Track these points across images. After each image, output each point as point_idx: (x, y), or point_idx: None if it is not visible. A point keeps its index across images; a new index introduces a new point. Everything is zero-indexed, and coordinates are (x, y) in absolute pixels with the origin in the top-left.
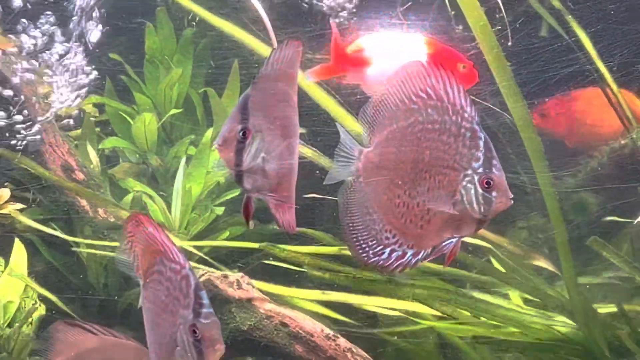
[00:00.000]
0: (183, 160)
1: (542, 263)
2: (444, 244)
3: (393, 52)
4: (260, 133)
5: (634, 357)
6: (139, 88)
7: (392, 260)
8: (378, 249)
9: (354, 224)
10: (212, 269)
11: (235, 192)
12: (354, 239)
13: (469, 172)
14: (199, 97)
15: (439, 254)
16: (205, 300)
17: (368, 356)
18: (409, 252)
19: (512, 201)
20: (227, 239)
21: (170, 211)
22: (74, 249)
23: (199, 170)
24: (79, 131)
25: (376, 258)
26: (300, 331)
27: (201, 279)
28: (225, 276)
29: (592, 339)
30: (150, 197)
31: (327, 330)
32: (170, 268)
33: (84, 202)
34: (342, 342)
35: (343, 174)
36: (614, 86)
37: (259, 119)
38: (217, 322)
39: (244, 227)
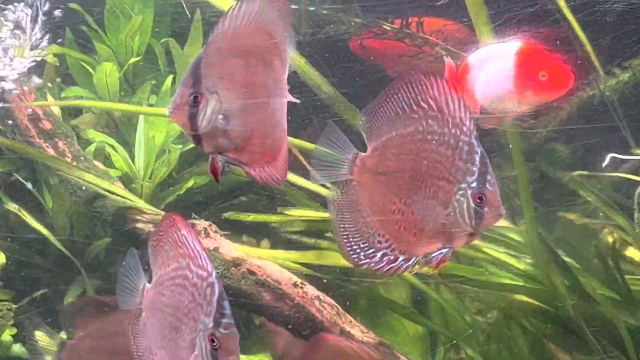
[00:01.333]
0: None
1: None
2: (433, 255)
3: (488, 65)
4: (215, 95)
5: (594, 304)
6: (99, 38)
7: (383, 264)
8: (370, 251)
9: (346, 226)
10: None
11: None
12: (345, 240)
13: (463, 185)
14: (161, 47)
15: (430, 264)
16: (227, 311)
17: (335, 303)
18: (401, 257)
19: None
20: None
21: (134, 161)
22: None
23: (161, 118)
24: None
25: (367, 260)
26: (268, 279)
27: None
28: (193, 225)
29: (552, 284)
30: (113, 147)
31: (295, 278)
32: (197, 274)
33: (51, 151)
34: (310, 289)
35: (335, 176)
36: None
37: (212, 80)
38: (236, 334)
39: (209, 177)
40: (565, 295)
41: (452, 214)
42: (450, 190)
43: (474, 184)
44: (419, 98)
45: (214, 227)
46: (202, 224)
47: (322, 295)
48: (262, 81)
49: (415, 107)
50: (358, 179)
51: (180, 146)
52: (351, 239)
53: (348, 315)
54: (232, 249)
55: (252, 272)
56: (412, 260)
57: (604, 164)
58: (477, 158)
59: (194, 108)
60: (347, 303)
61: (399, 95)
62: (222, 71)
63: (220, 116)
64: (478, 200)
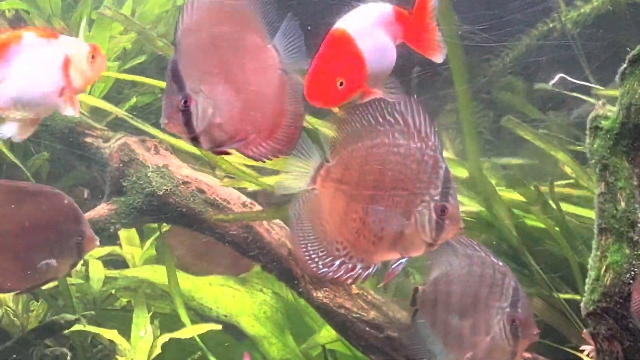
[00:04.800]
0: (83, 23)
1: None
2: (393, 266)
3: None
4: (200, 93)
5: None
6: None
7: (341, 272)
8: (327, 260)
9: (305, 234)
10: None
11: (142, 59)
12: (304, 249)
13: (426, 198)
14: None
15: (390, 278)
16: None
17: (284, 225)
18: (359, 266)
19: (462, 229)
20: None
21: None
22: None
23: (102, 34)
24: None
25: (325, 269)
26: (217, 198)
27: (117, 143)
28: (143, 140)
29: (499, 218)
30: None
31: (244, 198)
32: None
33: None
34: (259, 209)
35: (299, 185)
36: None
37: (194, 81)
38: None
39: (152, 96)
40: (511, 230)
41: (413, 224)
42: (413, 202)
43: (437, 197)
44: (386, 112)
45: (165, 144)
46: (152, 140)
47: None
48: (238, 63)
49: (381, 120)
50: (321, 188)
51: (117, 63)
52: (309, 248)
53: None
54: (181, 167)
55: (201, 191)
56: (372, 268)
57: (551, 82)
58: (442, 172)
59: (187, 112)
60: None
61: (367, 108)
62: (200, 67)
63: (210, 111)
64: (440, 213)
